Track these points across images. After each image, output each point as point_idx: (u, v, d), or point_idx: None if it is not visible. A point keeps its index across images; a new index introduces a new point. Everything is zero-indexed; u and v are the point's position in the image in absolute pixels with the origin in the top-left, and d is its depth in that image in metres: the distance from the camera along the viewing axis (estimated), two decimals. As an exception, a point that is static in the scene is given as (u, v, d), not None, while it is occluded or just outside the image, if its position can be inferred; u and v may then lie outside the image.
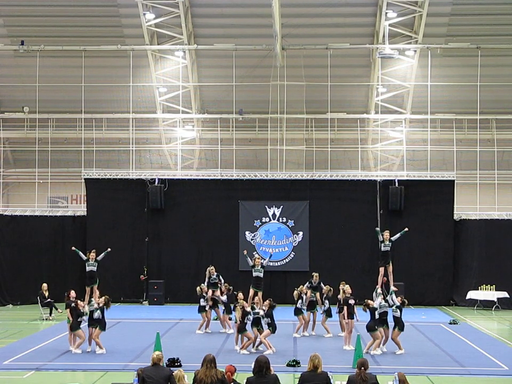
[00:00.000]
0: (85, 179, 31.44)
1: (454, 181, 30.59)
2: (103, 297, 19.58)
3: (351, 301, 20.23)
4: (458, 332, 23.21)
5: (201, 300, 23.02)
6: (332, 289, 22.48)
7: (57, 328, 23.25)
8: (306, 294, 22.31)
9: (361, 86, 33.38)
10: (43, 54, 31.69)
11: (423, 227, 30.47)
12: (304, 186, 30.84)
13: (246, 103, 33.14)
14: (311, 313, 22.64)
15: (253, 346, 19.46)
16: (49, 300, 26.84)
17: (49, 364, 17.66)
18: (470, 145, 32.80)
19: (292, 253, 30.68)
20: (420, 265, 30.36)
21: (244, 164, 33.73)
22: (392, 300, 19.65)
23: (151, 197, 30.68)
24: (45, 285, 27.31)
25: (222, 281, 23.42)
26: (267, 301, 19.78)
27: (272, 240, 30.65)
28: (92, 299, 19.90)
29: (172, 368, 12.38)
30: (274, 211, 30.75)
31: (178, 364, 16.88)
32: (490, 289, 29.13)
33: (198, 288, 23.29)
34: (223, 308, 23.12)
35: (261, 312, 19.45)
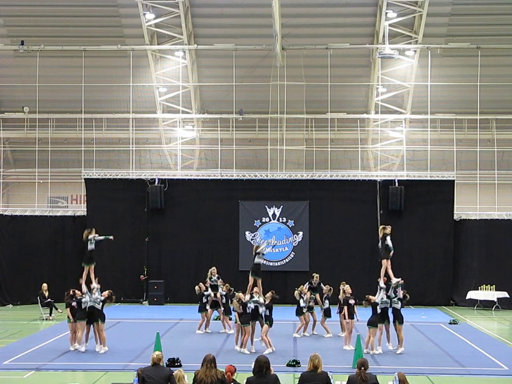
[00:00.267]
0: (85, 179, 31.45)
1: (454, 181, 30.61)
2: (107, 291, 19.61)
3: (351, 301, 20.25)
4: (458, 332, 23.21)
5: (203, 297, 23.01)
6: (332, 289, 22.51)
7: (57, 328, 23.26)
8: (305, 294, 22.30)
9: (361, 86, 33.37)
10: (43, 54, 31.68)
11: (423, 227, 30.51)
12: (304, 186, 30.85)
13: (246, 103, 33.14)
14: (311, 313, 22.63)
15: (252, 343, 19.38)
16: (49, 300, 26.85)
17: (49, 364, 17.65)
18: (470, 145, 32.79)
19: (292, 253, 30.69)
20: (420, 265, 30.38)
21: (244, 164, 33.72)
22: (397, 291, 19.59)
23: (151, 197, 30.69)
24: (45, 285, 27.32)
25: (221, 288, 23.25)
26: (269, 293, 19.69)
27: (272, 240, 30.64)
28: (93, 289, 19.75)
29: (172, 368, 12.38)
30: (274, 211, 30.76)
31: (178, 364, 16.88)
32: (490, 289, 29.14)
33: (196, 287, 23.30)
34: (223, 309, 23.12)
35: (261, 300, 19.36)
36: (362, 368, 11.17)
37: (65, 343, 19.90)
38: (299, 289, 22.41)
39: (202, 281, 23.69)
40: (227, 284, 23.26)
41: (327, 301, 22.43)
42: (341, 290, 20.94)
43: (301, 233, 30.74)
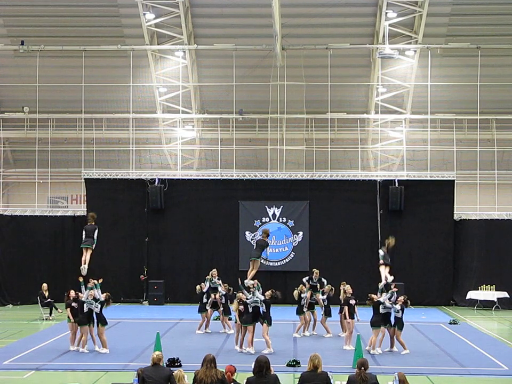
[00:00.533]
0: (85, 179, 31.45)
1: (454, 181, 30.61)
2: (104, 294, 19.62)
3: (352, 301, 20.25)
4: (458, 332, 23.21)
5: (203, 297, 23.00)
6: (333, 288, 22.48)
7: (57, 328, 23.27)
8: (306, 294, 22.26)
9: (361, 86, 33.37)
10: (43, 54, 31.67)
11: (423, 227, 30.50)
12: (304, 186, 30.85)
13: (246, 103, 33.14)
14: (311, 313, 22.62)
15: (251, 345, 19.35)
16: (49, 300, 26.84)
17: (49, 364, 17.66)
18: (470, 145, 32.79)
19: (292, 253, 30.69)
20: (419, 265, 30.38)
21: (244, 164, 33.72)
22: (389, 300, 19.49)
23: (151, 197, 30.69)
24: (45, 285, 27.31)
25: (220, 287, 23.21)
26: (269, 291, 19.62)
27: (272, 240, 30.61)
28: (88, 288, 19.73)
29: (172, 368, 12.38)
30: (274, 211, 30.76)
31: (178, 364, 16.88)
32: (490, 289, 29.13)
33: (198, 287, 23.29)
34: (222, 309, 23.10)
35: (260, 296, 19.22)
36: (362, 368, 11.17)
37: (65, 343, 19.90)
38: (299, 288, 22.40)
39: (202, 281, 23.67)
40: (226, 284, 23.26)
41: (326, 299, 22.36)
42: (342, 290, 20.94)
43: (301, 233, 30.74)
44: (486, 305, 29.33)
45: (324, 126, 32.95)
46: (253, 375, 10.88)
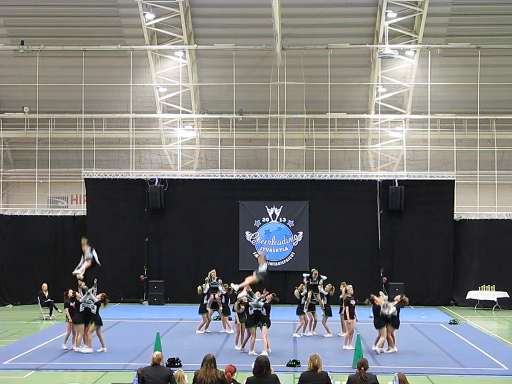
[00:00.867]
0: (85, 179, 31.45)
1: (454, 181, 30.61)
2: (101, 294, 19.65)
3: (353, 302, 20.22)
4: (458, 332, 23.20)
5: (204, 298, 23.00)
6: (334, 288, 22.46)
7: (57, 328, 23.25)
8: (305, 291, 22.24)
9: (361, 86, 33.37)
10: (43, 54, 31.67)
11: (423, 227, 30.50)
12: (304, 186, 30.84)
13: (246, 103, 33.14)
14: (312, 313, 22.60)
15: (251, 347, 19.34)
16: (49, 300, 26.84)
17: (49, 364, 17.66)
18: (470, 145, 32.79)
19: (292, 253, 30.69)
20: (420, 265, 30.37)
21: (244, 164, 33.72)
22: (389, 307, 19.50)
23: (151, 197, 30.69)
24: (45, 285, 27.31)
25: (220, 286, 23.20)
26: (270, 295, 19.61)
27: (272, 240, 30.66)
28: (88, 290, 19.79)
29: (172, 368, 12.39)
30: (274, 211, 30.76)
31: (178, 364, 16.88)
32: (490, 289, 29.13)
33: (199, 288, 23.27)
34: (221, 309, 23.10)
35: (260, 302, 19.22)
36: (362, 368, 11.17)
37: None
38: (299, 288, 22.40)
39: (202, 281, 23.67)
40: (226, 284, 23.24)
41: (325, 298, 22.32)
42: (343, 290, 20.91)
43: (301, 233, 30.74)
44: (486, 305, 29.33)
45: (324, 126, 32.95)
46: (253, 375, 10.88)
